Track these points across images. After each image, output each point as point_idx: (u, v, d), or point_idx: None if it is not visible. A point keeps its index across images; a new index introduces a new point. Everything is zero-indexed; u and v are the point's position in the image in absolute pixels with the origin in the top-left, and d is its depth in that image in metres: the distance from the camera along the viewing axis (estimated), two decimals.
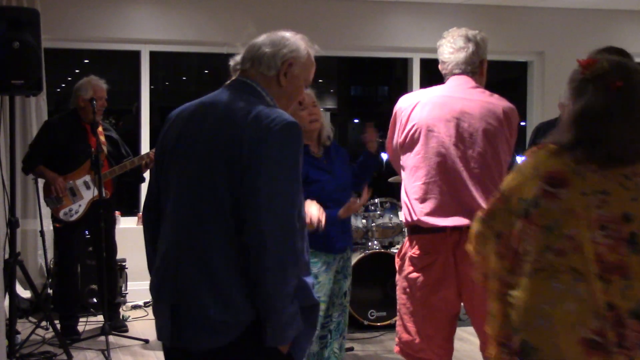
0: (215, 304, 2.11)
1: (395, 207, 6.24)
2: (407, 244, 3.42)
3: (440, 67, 3.48)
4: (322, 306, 3.84)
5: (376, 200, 6.19)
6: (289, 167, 2.13)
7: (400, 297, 3.42)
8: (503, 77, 9.07)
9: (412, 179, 3.36)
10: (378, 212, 6.13)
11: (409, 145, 3.37)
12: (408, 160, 3.38)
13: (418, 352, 3.35)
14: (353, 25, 7.34)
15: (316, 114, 3.82)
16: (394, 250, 6.09)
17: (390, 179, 6.34)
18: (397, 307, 3.46)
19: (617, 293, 2.14)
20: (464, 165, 3.24)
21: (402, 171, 3.47)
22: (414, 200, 3.33)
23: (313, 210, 3.37)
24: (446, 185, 3.26)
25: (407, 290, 3.37)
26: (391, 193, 7.12)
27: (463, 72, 3.38)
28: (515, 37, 7.68)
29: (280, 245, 2.07)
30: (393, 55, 7.87)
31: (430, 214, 3.27)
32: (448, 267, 3.24)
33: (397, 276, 3.46)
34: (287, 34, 2.34)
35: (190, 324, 2.15)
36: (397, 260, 3.48)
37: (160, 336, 2.26)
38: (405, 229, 3.47)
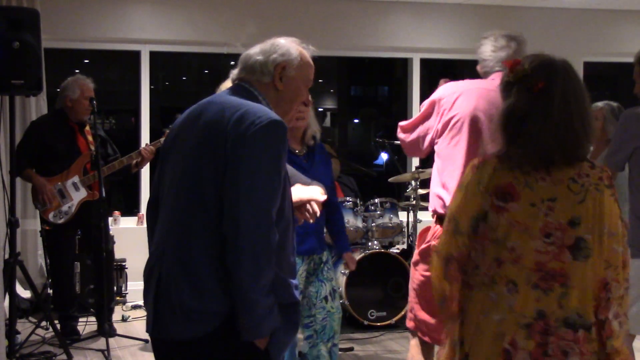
0: (192, 293, 2.15)
1: (395, 207, 6.24)
2: (433, 233, 3.42)
3: (479, 66, 3.49)
4: None
5: (376, 200, 6.19)
6: (269, 163, 2.15)
7: (419, 279, 3.43)
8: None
9: (450, 168, 3.35)
10: (378, 212, 6.13)
11: (448, 133, 3.37)
12: (445, 148, 3.39)
13: (433, 332, 3.39)
14: (353, 25, 7.34)
15: (303, 112, 3.79)
16: (394, 250, 6.09)
17: (390, 179, 6.35)
18: (414, 287, 3.48)
19: (553, 302, 2.16)
20: None
21: (436, 158, 3.45)
22: (448, 190, 3.32)
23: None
24: None
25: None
26: (391, 193, 7.13)
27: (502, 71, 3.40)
28: None
29: (254, 238, 2.09)
30: (393, 55, 7.87)
31: None
32: None
33: (416, 256, 3.49)
34: (278, 39, 2.39)
35: (168, 313, 2.19)
36: (419, 245, 3.50)
37: (147, 328, 2.30)
38: (434, 218, 3.47)
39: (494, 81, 3.38)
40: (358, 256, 5.75)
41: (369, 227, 6.07)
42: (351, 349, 5.36)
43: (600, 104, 4.55)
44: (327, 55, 7.97)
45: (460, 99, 3.37)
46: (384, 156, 8.76)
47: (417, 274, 3.50)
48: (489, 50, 3.45)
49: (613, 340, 2.20)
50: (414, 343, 3.54)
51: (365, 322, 5.77)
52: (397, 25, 7.46)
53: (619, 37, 7.81)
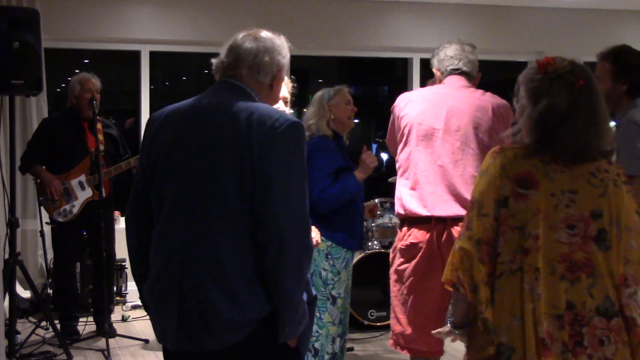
0: (227, 303, 2.12)
1: None
2: (397, 236, 3.51)
3: (436, 67, 3.56)
4: (342, 302, 3.94)
5: (376, 201, 6.19)
6: (298, 166, 2.16)
7: (392, 290, 3.51)
8: (503, 77, 9.07)
9: (405, 171, 3.47)
10: (378, 212, 6.12)
11: (402, 140, 3.49)
12: (402, 154, 3.50)
13: (410, 342, 3.44)
14: (353, 25, 7.34)
15: (353, 112, 4.05)
16: None
17: (390, 179, 6.34)
18: (390, 299, 3.52)
19: (582, 291, 2.18)
20: (450, 158, 3.35)
21: (397, 163, 3.56)
22: (405, 192, 3.45)
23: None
24: (433, 177, 3.37)
25: (397, 281, 3.45)
26: (391, 193, 7.11)
27: (462, 73, 3.45)
28: (515, 37, 7.68)
29: (299, 243, 2.12)
30: (393, 55, 7.87)
31: (417, 204, 3.38)
32: (433, 257, 3.32)
33: (390, 269, 3.53)
34: (272, 37, 2.34)
35: (199, 326, 2.14)
36: (391, 254, 3.56)
37: (162, 340, 2.25)
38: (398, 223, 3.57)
39: (446, 84, 3.52)
40: (358, 256, 5.76)
41: (369, 227, 6.07)
42: (351, 349, 5.36)
43: None
44: (327, 55, 7.97)
45: (409, 106, 3.49)
46: (384, 156, 8.75)
47: (391, 284, 3.54)
48: (456, 49, 3.54)
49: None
50: None
51: (365, 322, 5.77)
52: (397, 25, 7.45)
53: (619, 37, 7.79)
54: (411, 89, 7.58)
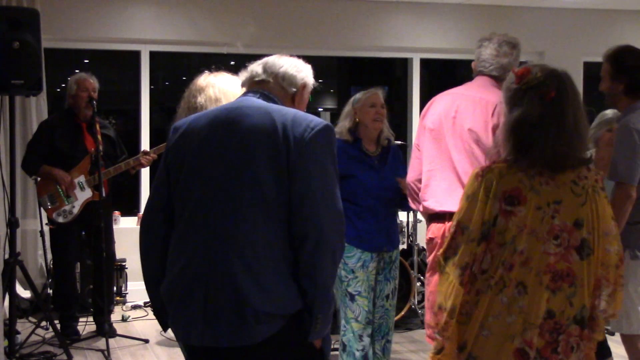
0: (259, 295, 2.13)
1: None
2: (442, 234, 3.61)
3: (474, 64, 3.62)
4: (365, 301, 3.96)
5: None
6: (332, 165, 2.25)
7: (426, 280, 3.66)
8: None
9: (423, 169, 3.59)
10: None
11: (422, 141, 3.62)
12: (420, 154, 3.62)
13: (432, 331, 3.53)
14: (353, 25, 7.34)
15: (381, 115, 4.05)
16: None
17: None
18: (428, 295, 3.65)
19: (562, 301, 2.23)
20: (458, 155, 3.43)
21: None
22: (422, 189, 3.58)
23: None
24: (445, 174, 3.47)
25: (427, 272, 3.62)
26: None
27: (491, 75, 3.54)
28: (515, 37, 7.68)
29: (334, 239, 2.20)
30: (393, 55, 7.87)
31: (431, 200, 3.51)
32: None
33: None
34: (300, 61, 2.49)
35: (233, 317, 2.14)
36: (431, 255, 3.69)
37: (186, 338, 2.24)
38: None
39: (468, 85, 3.59)
40: None
41: None
42: None
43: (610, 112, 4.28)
44: (327, 55, 7.98)
45: (431, 107, 3.61)
46: None
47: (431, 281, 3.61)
48: (491, 54, 3.56)
49: (597, 334, 2.32)
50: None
51: None
52: (397, 25, 7.46)
53: (619, 37, 7.79)
54: (411, 89, 7.62)
